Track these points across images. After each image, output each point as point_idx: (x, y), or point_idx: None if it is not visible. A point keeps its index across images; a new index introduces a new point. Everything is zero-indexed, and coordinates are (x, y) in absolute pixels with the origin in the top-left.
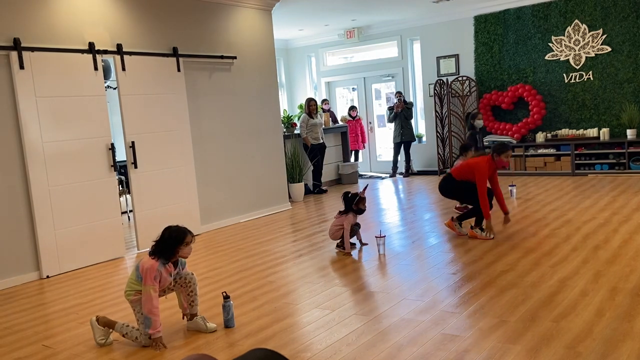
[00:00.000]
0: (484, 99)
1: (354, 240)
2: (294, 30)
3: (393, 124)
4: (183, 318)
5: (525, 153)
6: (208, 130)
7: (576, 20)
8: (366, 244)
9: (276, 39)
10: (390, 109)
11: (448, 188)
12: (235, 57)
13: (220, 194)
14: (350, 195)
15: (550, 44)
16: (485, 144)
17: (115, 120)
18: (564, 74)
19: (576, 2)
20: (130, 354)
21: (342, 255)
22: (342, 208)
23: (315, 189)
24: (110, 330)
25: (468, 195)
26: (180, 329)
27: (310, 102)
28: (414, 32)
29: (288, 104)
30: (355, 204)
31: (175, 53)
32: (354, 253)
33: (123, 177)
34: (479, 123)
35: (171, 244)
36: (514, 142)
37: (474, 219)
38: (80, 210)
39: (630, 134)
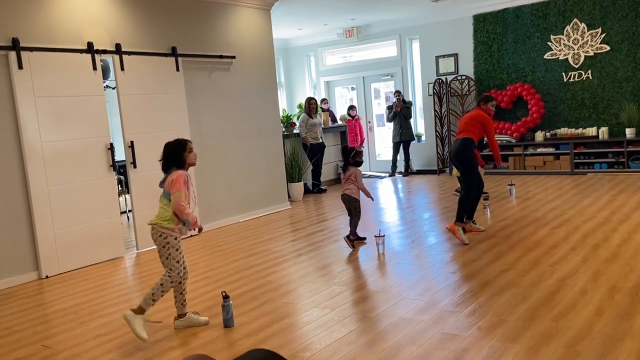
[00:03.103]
0: None
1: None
2: (293, 29)
3: (392, 123)
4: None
5: (525, 152)
6: (207, 129)
7: (575, 19)
8: (364, 238)
9: (275, 39)
10: (390, 108)
11: (461, 150)
12: (234, 57)
13: (220, 193)
14: (348, 148)
15: (549, 43)
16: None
17: (114, 120)
18: (563, 73)
19: (575, 1)
20: (130, 353)
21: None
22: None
23: (315, 189)
24: (142, 315)
25: (469, 169)
26: (180, 329)
27: (310, 101)
28: (413, 31)
29: (287, 103)
30: (352, 157)
31: (174, 53)
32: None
33: (122, 177)
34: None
35: (178, 152)
36: (513, 141)
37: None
38: (80, 210)
39: (629, 132)
